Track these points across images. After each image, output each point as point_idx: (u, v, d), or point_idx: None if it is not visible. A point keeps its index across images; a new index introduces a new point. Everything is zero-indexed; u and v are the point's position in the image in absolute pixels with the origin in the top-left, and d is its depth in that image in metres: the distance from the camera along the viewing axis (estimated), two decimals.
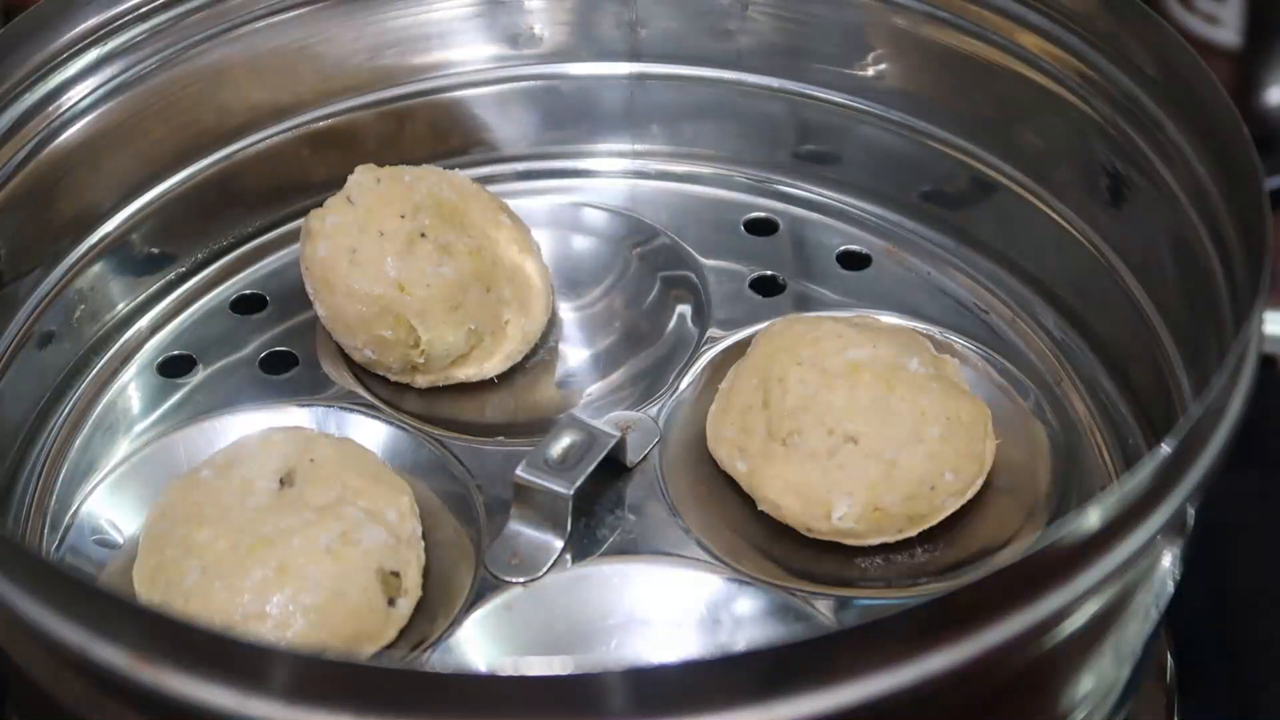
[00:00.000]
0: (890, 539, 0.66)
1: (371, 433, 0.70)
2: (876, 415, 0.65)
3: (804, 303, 0.77)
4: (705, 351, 0.73)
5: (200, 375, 0.74)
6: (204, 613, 0.61)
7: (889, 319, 0.74)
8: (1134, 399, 0.70)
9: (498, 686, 0.45)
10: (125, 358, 0.75)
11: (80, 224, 0.75)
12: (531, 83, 0.83)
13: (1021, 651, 0.49)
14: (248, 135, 0.80)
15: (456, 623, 0.63)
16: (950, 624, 0.47)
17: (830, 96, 0.81)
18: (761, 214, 0.81)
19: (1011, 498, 0.68)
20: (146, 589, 0.63)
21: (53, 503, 0.69)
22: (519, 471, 0.66)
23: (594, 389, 0.74)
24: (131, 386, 0.74)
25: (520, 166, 0.84)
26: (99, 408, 0.73)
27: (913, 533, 0.66)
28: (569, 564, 0.65)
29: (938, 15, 0.77)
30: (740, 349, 0.72)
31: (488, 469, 0.68)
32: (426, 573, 0.65)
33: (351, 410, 0.71)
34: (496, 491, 0.67)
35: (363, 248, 0.70)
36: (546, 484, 0.65)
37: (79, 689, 0.52)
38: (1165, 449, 0.50)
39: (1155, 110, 0.68)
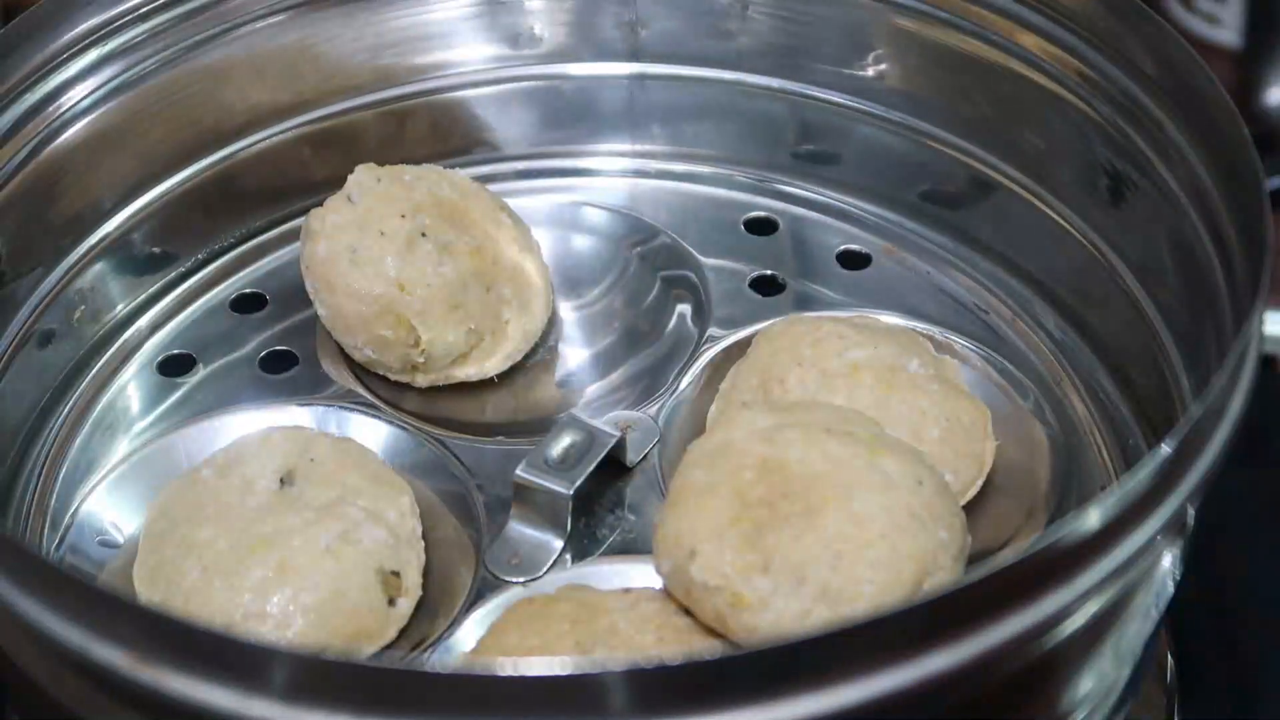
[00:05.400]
0: None
1: (371, 432, 0.70)
2: (876, 416, 0.65)
3: (804, 302, 0.77)
4: (705, 351, 0.73)
5: (200, 374, 0.74)
6: (204, 612, 0.61)
7: (889, 319, 0.74)
8: (1134, 399, 0.70)
9: (498, 686, 0.45)
10: (125, 357, 0.75)
11: (80, 224, 0.75)
12: (532, 83, 0.83)
13: (1021, 651, 0.49)
14: (248, 135, 0.80)
15: (456, 623, 0.63)
16: (950, 624, 0.47)
17: (830, 96, 0.81)
18: (761, 213, 0.81)
19: (1011, 498, 0.68)
20: (146, 589, 0.63)
21: (53, 502, 0.69)
22: (519, 471, 0.66)
23: (594, 389, 0.74)
24: (131, 386, 0.74)
25: (520, 166, 0.84)
26: (99, 407, 0.73)
27: None
28: (569, 564, 0.65)
29: (938, 15, 0.77)
30: (740, 349, 0.72)
31: (488, 469, 0.68)
32: (426, 573, 0.65)
33: (351, 410, 0.71)
34: (496, 491, 0.67)
35: (363, 247, 0.70)
36: (546, 484, 0.65)
37: (79, 689, 0.52)
38: (1165, 449, 0.50)
39: (1155, 110, 0.68)
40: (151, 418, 0.72)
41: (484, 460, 0.69)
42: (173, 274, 0.78)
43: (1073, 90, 0.72)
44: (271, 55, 0.79)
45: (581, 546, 0.66)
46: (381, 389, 0.73)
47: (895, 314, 0.75)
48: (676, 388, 0.72)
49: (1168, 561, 0.56)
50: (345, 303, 0.71)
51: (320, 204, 0.73)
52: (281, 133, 0.80)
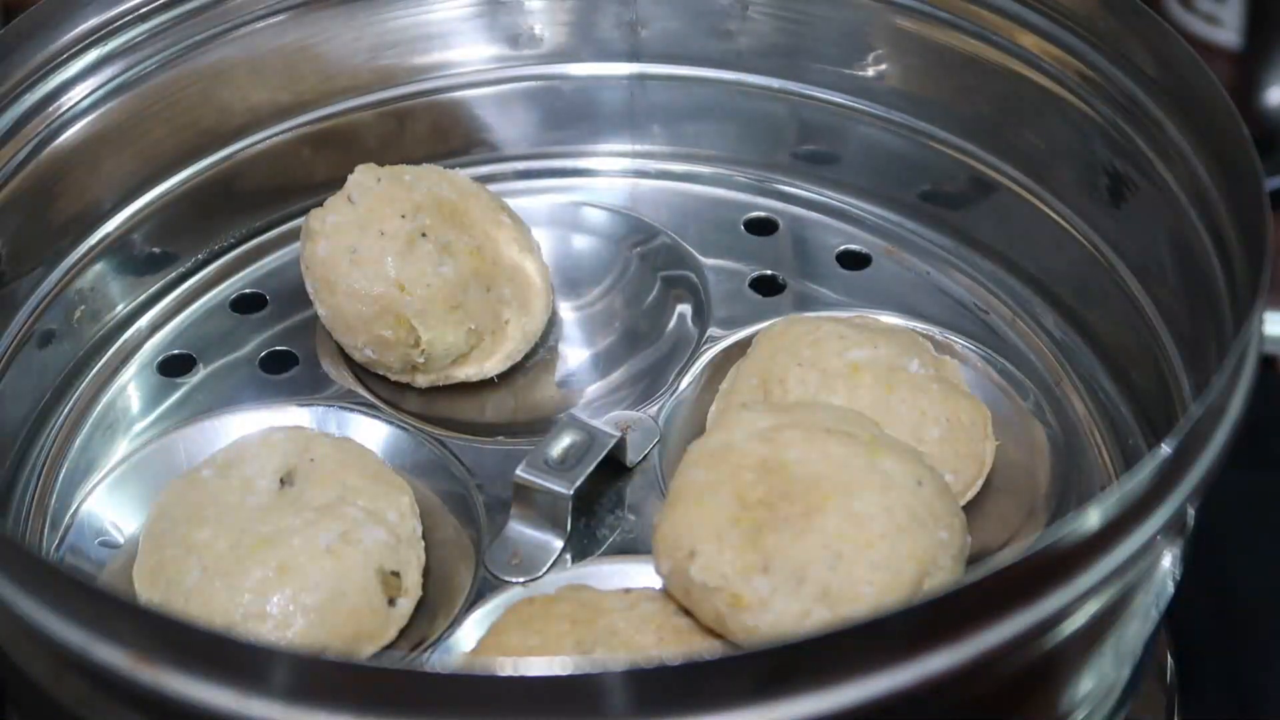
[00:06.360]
0: None
1: (371, 432, 0.70)
2: (876, 416, 0.65)
3: (804, 302, 0.77)
4: (705, 351, 0.73)
5: (200, 375, 0.74)
6: (204, 612, 0.61)
7: (889, 319, 0.74)
8: (1134, 399, 0.70)
9: (498, 686, 0.45)
10: (125, 357, 0.75)
11: (80, 224, 0.75)
12: (532, 83, 0.84)
13: (1021, 651, 0.49)
14: (248, 135, 0.80)
15: (456, 623, 0.63)
16: (950, 624, 0.47)
17: (830, 96, 0.81)
18: (761, 214, 0.81)
19: (1011, 498, 0.68)
20: (147, 589, 0.63)
21: (53, 502, 0.69)
22: (519, 471, 0.66)
23: (594, 389, 0.74)
24: (131, 386, 0.74)
25: (520, 166, 0.84)
26: (99, 407, 0.73)
27: None
28: (569, 564, 0.65)
29: (938, 15, 0.77)
30: (740, 349, 0.72)
31: (488, 469, 0.68)
32: (426, 573, 0.65)
33: (351, 410, 0.71)
34: (496, 491, 0.67)
35: (363, 247, 0.70)
36: (546, 484, 0.65)
37: (79, 689, 0.52)
38: (1165, 449, 0.50)
39: (1155, 110, 0.68)
40: (151, 418, 0.72)
41: (484, 460, 0.69)
42: (173, 274, 0.78)
43: (1073, 90, 0.72)
44: (271, 55, 0.79)
45: (581, 546, 0.66)
46: (381, 389, 0.73)
47: (895, 314, 0.75)
48: (676, 388, 0.72)
49: (1168, 561, 0.56)
50: (345, 303, 0.71)
51: (320, 204, 0.73)
52: (281, 133, 0.80)
